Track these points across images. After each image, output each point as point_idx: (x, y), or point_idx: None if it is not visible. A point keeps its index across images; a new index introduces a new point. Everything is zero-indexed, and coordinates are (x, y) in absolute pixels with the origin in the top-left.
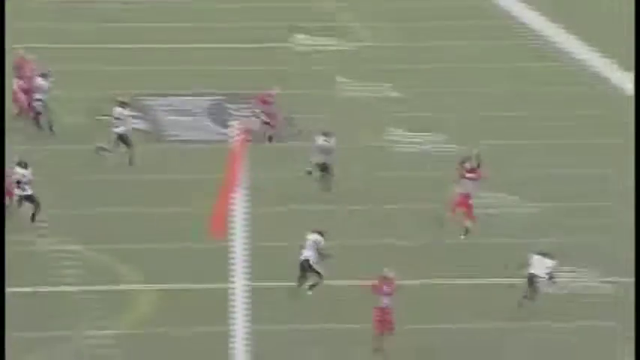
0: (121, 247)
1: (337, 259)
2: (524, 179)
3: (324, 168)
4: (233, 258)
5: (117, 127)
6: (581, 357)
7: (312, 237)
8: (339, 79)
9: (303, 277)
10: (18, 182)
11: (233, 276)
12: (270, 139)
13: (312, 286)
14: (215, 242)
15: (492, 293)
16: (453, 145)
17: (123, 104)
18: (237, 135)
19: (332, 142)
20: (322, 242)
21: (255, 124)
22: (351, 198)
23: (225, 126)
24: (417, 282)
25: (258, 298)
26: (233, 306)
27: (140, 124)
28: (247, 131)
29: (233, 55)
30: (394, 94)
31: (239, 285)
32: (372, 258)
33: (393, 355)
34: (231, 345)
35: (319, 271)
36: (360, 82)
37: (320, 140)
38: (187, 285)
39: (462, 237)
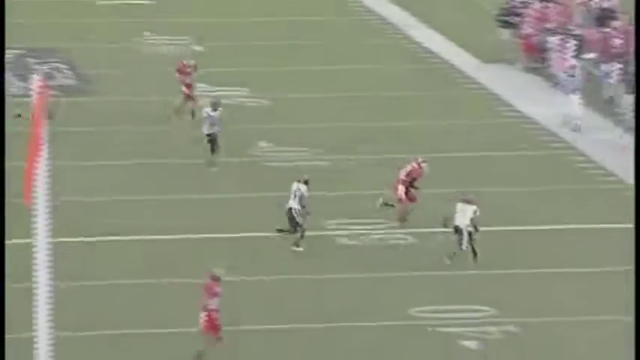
0: None
1: (149, 211)
2: (316, 131)
3: (211, 139)
4: (35, 214)
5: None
6: (394, 305)
7: (298, 186)
8: (142, 33)
9: (298, 225)
10: None
11: (35, 232)
12: (192, 114)
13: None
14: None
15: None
16: (256, 99)
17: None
18: (39, 90)
19: (218, 113)
20: (305, 188)
21: (57, 79)
22: (160, 152)
23: (27, 80)
24: (224, 235)
25: (61, 255)
26: (35, 263)
27: None
28: (48, 86)
29: (35, 9)
30: (198, 48)
31: (41, 241)
32: (178, 211)
33: None
34: (34, 302)
35: (300, 222)
36: (163, 37)
37: (208, 111)
38: None
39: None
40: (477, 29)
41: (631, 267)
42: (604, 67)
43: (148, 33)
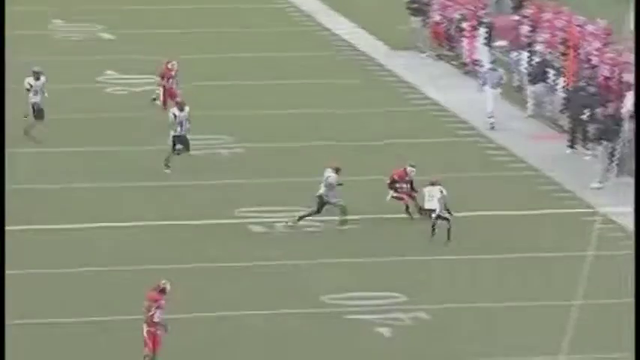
0: None
1: (59, 202)
2: (228, 119)
3: (182, 141)
4: None
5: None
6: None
7: (327, 173)
8: (52, 20)
9: (317, 212)
10: None
11: None
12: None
13: (343, 221)
14: None
15: (208, 234)
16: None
17: (36, 74)
18: None
19: (184, 113)
20: (333, 177)
21: None
22: (66, 140)
23: None
24: (141, 223)
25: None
26: None
27: None
28: None
29: None
30: (106, 35)
31: None
32: (98, 199)
33: None
34: None
35: (334, 202)
36: (73, 24)
37: (175, 112)
38: None
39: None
40: (387, 17)
41: (547, 254)
42: (514, 54)
43: (57, 20)
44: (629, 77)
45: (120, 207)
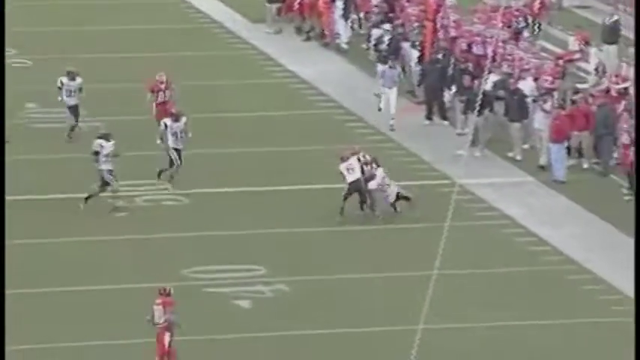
0: None
1: None
2: (87, 93)
3: (178, 153)
4: None
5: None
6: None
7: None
8: None
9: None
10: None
11: None
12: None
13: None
14: None
15: (69, 208)
16: (24, 60)
17: (70, 74)
18: None
19: (180, 124)
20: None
21: None
22: None
23: None
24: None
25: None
26: None
27: None
28: None
29: None
30: None
31: None
32: None
33: None
34: None
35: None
36: None
37: (168, 122)
38: None
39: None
40: None
41: (405, 225)
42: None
43: None
44: (479, 50)
45: None
